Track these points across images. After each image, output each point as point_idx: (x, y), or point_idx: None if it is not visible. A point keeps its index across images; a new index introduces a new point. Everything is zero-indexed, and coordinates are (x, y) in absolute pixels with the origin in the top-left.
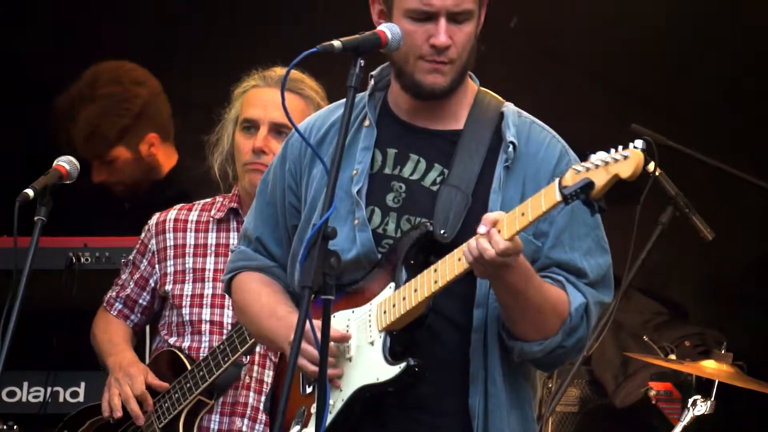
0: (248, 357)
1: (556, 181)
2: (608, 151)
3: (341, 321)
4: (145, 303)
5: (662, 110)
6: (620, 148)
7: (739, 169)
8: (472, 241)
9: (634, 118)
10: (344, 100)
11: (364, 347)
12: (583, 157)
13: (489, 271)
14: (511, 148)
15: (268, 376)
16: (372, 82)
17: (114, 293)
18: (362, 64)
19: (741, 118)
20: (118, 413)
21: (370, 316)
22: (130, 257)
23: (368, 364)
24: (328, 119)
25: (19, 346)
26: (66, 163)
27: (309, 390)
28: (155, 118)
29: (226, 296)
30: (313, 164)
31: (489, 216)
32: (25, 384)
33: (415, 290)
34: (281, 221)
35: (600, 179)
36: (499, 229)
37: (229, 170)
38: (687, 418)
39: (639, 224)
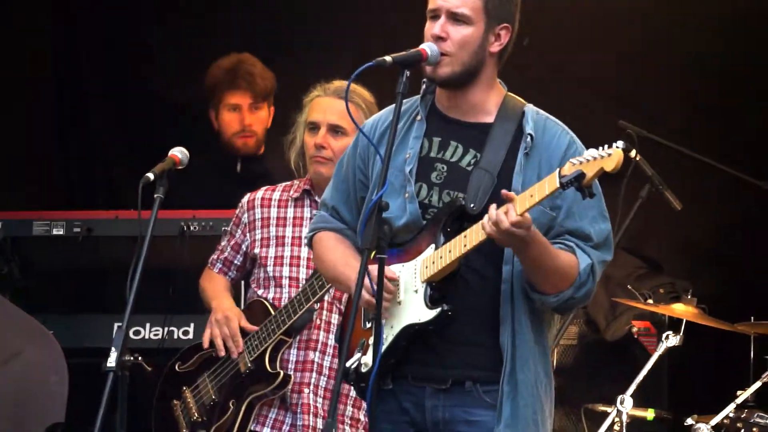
0: (319, 304)
1: (557, 171)
2: (597, 149)
3: (394, 271)
4: (238, 263)
5: (644, 110)
6: (605, 146)
7: (701, 154)
8: (492, 213)
9: (621, 115)
10: (403, 100)
11: (410, 294)
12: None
13: (506, 239)
14: (529, 139)
15: (335, 319)
16: (424, 86)
17: (216, 256)
18: (408, 75)
19: (704, 114)
20: (222, 352)
21: (415, 269)
22: (228, 228)
23: (413, 307)
24: (390, 116)
25: (142, 295)
26: (179, 152)
27: (369, 325)
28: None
29: (301, 257)
30: (381, 149)
31: (511, 194)
32: (148, 325)
33: (450, 251)
34: (352, 194)
35: (589, 171)
36: (514, 206)
37: (301, 163)
38: (661, 348)
39: (624, 198)
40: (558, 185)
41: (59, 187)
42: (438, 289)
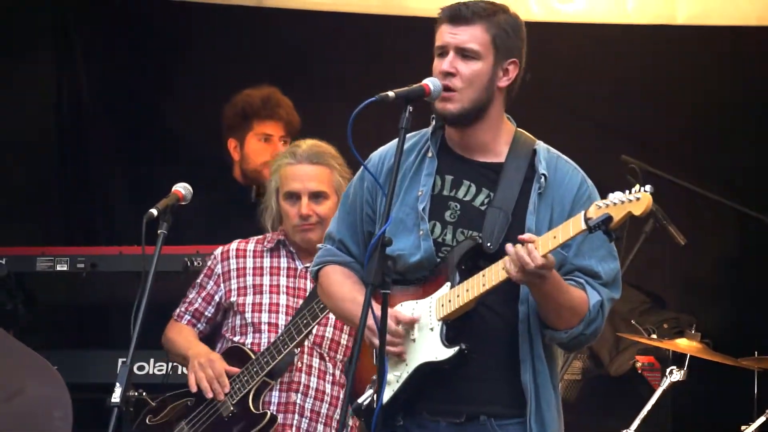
0: (299, 348)
1: (582, 213)
2: (623, 191)
3: (407, 309)
4: (209, 315)
5: (646, 144)
6: (633, 190)
7: (705, 188)
8: (512, 253)
9: (624, 150)
10: (411, 134)
11: (425, 332)
12: (603, 195)
13: (526, 278)
14: (543, 179)
15: (315, 362)
16: (433, 122)
17: (183, 308)
18: (411, 110)
19: (705, 148)
20: (210, 394)
21: (430, 307)
22: (198, 281)
23: (429, 346)
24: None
25: (146, 331)
26: (182, 188)
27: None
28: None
29: (280, 304)
30: (386, 185)
31: (528, 234)
32: (152, 360)
33: (467, 290)
34: (359, 227)
35: (617, 214)
36: (536, 247)
37: (279, 228)
38: (665, 384)
39: (627, 233)
40: (584, 227)
41: (61, 223)
42: (454, 327)
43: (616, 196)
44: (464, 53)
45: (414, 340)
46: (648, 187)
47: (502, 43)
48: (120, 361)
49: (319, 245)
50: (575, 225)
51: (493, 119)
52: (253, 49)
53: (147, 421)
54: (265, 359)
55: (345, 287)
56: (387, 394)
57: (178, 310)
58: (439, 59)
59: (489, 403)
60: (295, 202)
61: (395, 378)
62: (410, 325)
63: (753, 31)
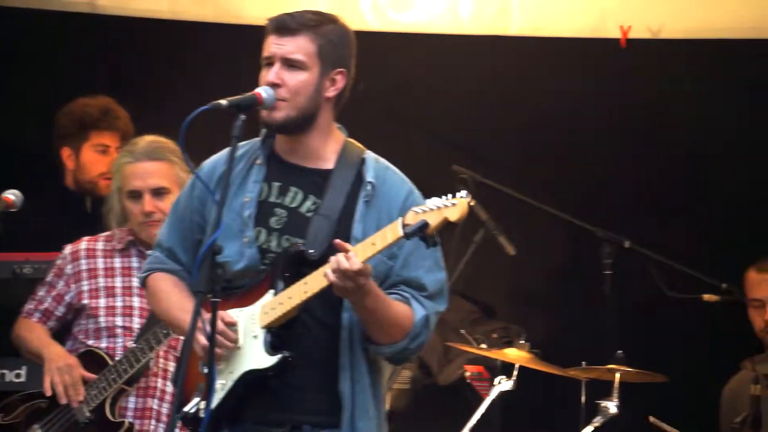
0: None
1: (400, 219)
2: (441, 198)
3: (232, 316)
4: (59, 314)
5: (478, 154)
6: (450, 196)
7: (537, 200)
8: (334, 260)
9: (456, 160)
10: (242, 143)
11: (249, 339)
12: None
13: (346, 288)
14: (370, 187)
15: (171, 366)
16: (264, 131)
17: (32, 306)
18: (243, 118)
19: (537, 159)
20: (63, 400)
21: (254, 315)
22: (48, 279)
23: (252, 354)
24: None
25: None
26: (12, 194)
27: (206, 370)
28: None
29: (134, 307)
30: (217, 193)
31: (346, 244)
32: None
33: (290, 297)
34: (188, 235)
35: (433, 220)
36: (355, 253)
37: (124, 227)
38: (494, 393)
39: (458, 242)
40: (401, 234)
41: None
42: (278, 335)
43: (433, 202)
44: (290, 63)
45: (239, 348)
46: (464, 193)
47: (329, 53)
48: None
49: (148, 252)
50: (392, 231)
51: (321, 127)
52: (88, 55)
53: None
54: (123, 367)
55: (173, 296)
56: (213, 402)
57: (27, 308)
58: (266, 69)
59: (311, 412)
60: (138, 200)
61: (221, 386)
62: (233, 326)
63: (585, 43)
